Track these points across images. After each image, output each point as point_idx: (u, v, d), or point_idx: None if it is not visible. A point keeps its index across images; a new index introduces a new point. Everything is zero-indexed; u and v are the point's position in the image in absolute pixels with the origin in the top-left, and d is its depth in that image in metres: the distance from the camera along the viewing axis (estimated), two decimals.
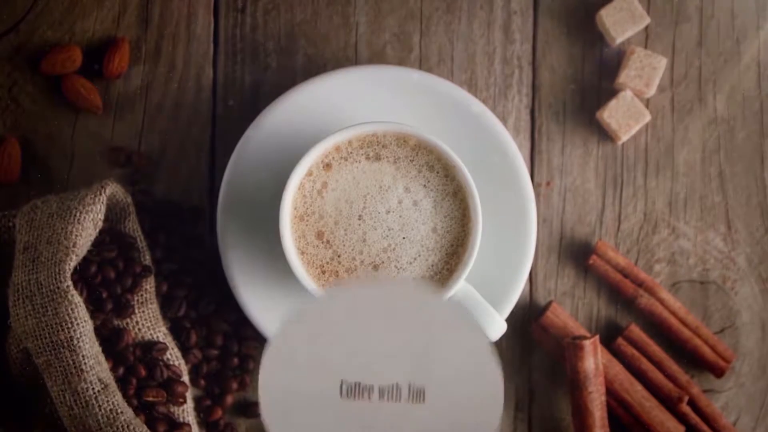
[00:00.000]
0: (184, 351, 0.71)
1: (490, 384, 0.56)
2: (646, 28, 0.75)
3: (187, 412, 0.70)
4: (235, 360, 0.73)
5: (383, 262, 0.67)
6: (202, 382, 0.73)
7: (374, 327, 0.57)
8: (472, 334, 0.57)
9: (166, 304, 0.72)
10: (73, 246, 0.65)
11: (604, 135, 0.75)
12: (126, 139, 0.74)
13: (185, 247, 0.73)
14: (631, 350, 0.74)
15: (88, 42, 0.74)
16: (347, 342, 0.57)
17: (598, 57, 0.76)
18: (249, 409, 0.73)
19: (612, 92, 0.75)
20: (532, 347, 0.75)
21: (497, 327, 0.67)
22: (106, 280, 0.68)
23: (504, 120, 0.75)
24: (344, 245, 0.67)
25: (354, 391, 0.57)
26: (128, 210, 0.70)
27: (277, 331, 0.57)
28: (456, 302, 0.66)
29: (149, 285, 0.70)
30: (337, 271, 0.67)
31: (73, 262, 0.65)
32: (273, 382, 0.57)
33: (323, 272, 0.67)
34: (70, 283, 0.64)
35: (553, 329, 0.73)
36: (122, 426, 0.64)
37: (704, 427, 0.73)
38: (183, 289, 0.72)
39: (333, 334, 0.57)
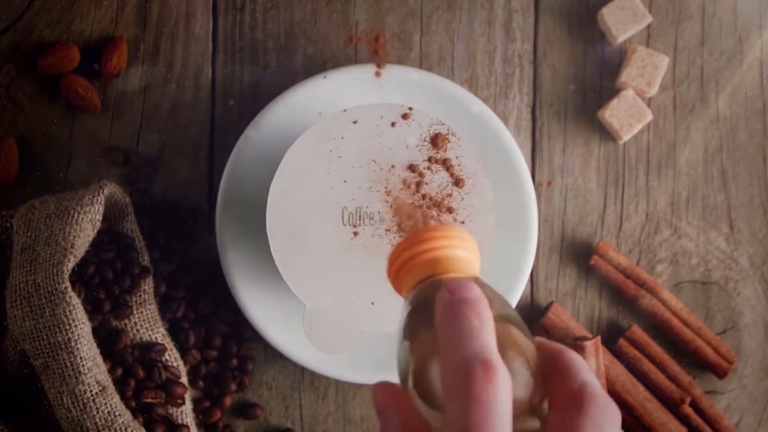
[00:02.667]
0: (183, 352, 0.71)
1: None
2: (648, 26, 0.75)
3: (185, 414, 0.69)
4: (234, 361, 0.72)
5: None
6: (201, 383, 0.72)
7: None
8: None
9: (164, 304, 0.71)
10: (71, 247, 0.64)
11: (606, 134, 0.75)
12: (124, 138, 0.74)
13: (184, 248, 0.73)
14: (632, 351, 0.73)
15: (86, 41, 0.74)
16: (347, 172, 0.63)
17: (599, 56, 0.75)
18: (248, 410, 0.73)
19: (613, 91, 0.74)
20: None
21: None
22: (104, 281, 0.68)
23: (505, 119, 0.74)
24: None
25: (355, 217, 0.62)
26: (126, 210, 0.70)
27: (282, 164, 0.63)
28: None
29: (148, 286, 0.70)
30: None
31: (71, 263, 0.64)
32: (279, 215, 0.63)
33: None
34: (68, 284, 0.64)
35: (554, 330, 0.73)
36: (120, 428, 0.64)
37: (706, 428, 0.73)
38: (181, 290, 0.72)
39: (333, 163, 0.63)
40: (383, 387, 0.42)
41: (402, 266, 0.44)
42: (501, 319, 0.41)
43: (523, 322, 0.42)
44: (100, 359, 0.65)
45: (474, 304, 0.39)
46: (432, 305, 0.41)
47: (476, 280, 0.43)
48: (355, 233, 0.65)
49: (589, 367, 0.70)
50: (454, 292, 0.40)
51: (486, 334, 0.39)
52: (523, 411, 0.39)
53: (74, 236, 0.65)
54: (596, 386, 0.40)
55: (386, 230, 0.65)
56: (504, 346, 0.39)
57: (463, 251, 0.44)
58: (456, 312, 0.39)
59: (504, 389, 0.37)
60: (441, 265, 0.43)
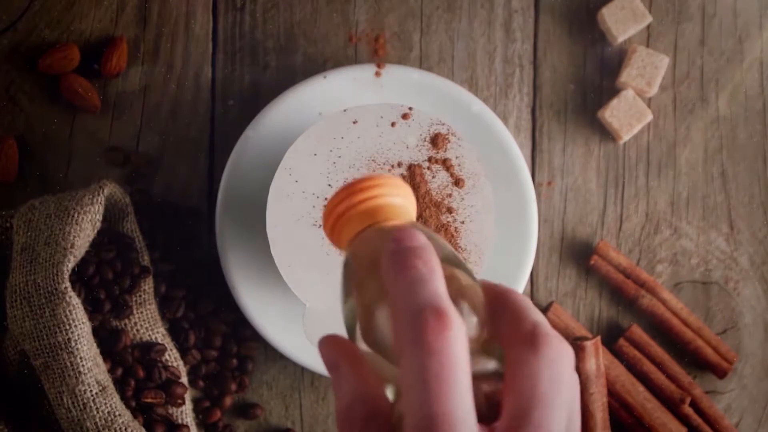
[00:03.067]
0: (183, 352, 0.71)
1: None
2: (648, 26, 0.75)
3: (185, 414, 0.69)
4: (234, 361, 0.72)
5: None
6: (201, 383, 0.72)
7: None
8: None
9: (164, 304, 0.71)
10: (71, 247, 0.64)
11: (606, 134, 0.75)
12: (124, 138, 0.74)
13: (184, 248, 0.73)
14: (632, 351, 0.73)
15: (86, 41, 0.74)
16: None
17: (599, 56, 0.75)
18: (248, 410, 0.73)
19: (614, 91, 0.74)
20: None
21: None
22: (104, 281, 0.68)
23: (505, 119, 0.74)
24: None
25: None
26: (126, 210, 0.70)
27: (282, 164, 0.64)
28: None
29: (148, 286, 0.70)
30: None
31: (71, 263, 0.64)
32: (278, 215, 0.64)
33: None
34: (68, 284, 0.64)
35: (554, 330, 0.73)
36: (120, 428, 0.64)
37: (706, 428, 0.73)
38: (181, 290, 0.72)
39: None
40: (331, 340, 0.41)
41: (338, 219, 0.43)
42: (446, 263, 0.40)
43: (465, 264, 0.42)
44: (100, 359, 0.65)
45: (421, 252, 0.39)
46: (374, 255, 0.40)
47: (415, 225, 0.42)
48: None
49: (589, 367, 0.70)
50: (399, 241, 0.39)
51: (435, 281, 0.38)
52: (475, 353, 0.39)
53: (74, 236, 0.65)
54: (548, 326, 0.40)
55: None
56: (452, 289, 0.39)
57: (398, 198, 0.43)
58: (403, 262, 0.38)
59: (459, 336, 0.36)
60: (378, 214, 0.42)
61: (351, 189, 0.43)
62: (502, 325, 0.40)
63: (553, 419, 0.38)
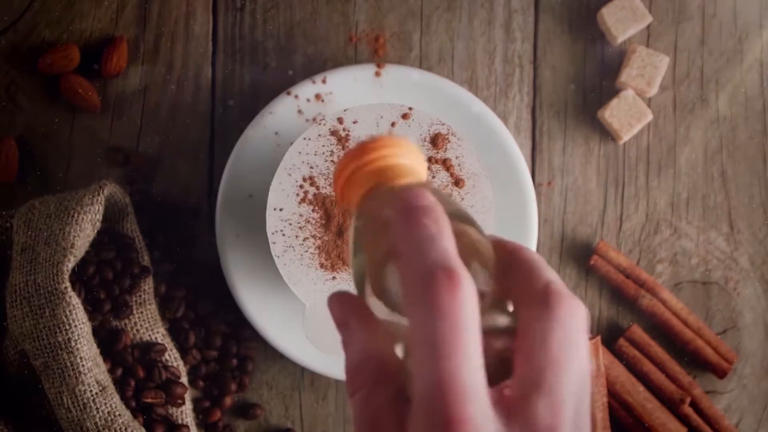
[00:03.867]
0: (183, 352, 0.71)
1: None
2: (648, 26, 0.75)
3: (185, 414, 0.69)
4: (234, 361, 0.72)
5: None
6: (201, 383, 0.72)
7: None
8: None
9: (164, 304, 0.71)
10: (71, 247, 0.64)
11: (606, 134, 0.75)
12: (124, 138, 0.74)
13: (184, 248, 0.73)
14: (632, 351, 0.73)
15: (86, 41, 0.74)
16: None
17: (599, 56, 0.75)
18: (248, 410, 0.73)
19: (613, 91, 0.74)
20: None
21: None
22: (104, 281, 0.68)
23: (505, 119, 0.74)
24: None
25: None
26: (126, 210, 0.70)
27: (282, 164, 0.64)
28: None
29: (147, 286, 0.70)
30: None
31: (71, 263, 0.64)
32: (278, 215, 0.64)
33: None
34: (68, 284, 0.64)
35: None
36: (120, 428, 0.64)
37: (706, 428, 0.73)
38: (181, 290, 0.72)
39: None
40: (341, 297, 0.41)
41: (348, 179, 0.43)
42: (456, 219, 0.40)
43: (475, 220, 0.42)
44: (100, 359, 0.65)
45: (430, 210, 0.38)
46: (383, 213, 0.40)
47: (423, 184, 0.42)
48: None
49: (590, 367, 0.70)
50: (408, 200, 0.39)
51: (445, 239, 0.37)
52: (486, 309, 0.38)
53: (74, 236, 0.65)
54: (561, 284, 0.39)
55: None
56: (462, 247, 0.38)
57: (406, 158, 0.43)
58: (412, 220, 0.38)
59: (469, 296, 0.36)
60: (386, 173, 0.43)
61: (359, 150, 0.43)
62: (514, 283, 0.40)
63: (564, 385, 0.37)
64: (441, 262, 0.36)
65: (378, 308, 0.40)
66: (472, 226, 0.41)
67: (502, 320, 0.39)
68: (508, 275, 0.40)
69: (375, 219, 0.41)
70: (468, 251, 0.39)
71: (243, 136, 0.70)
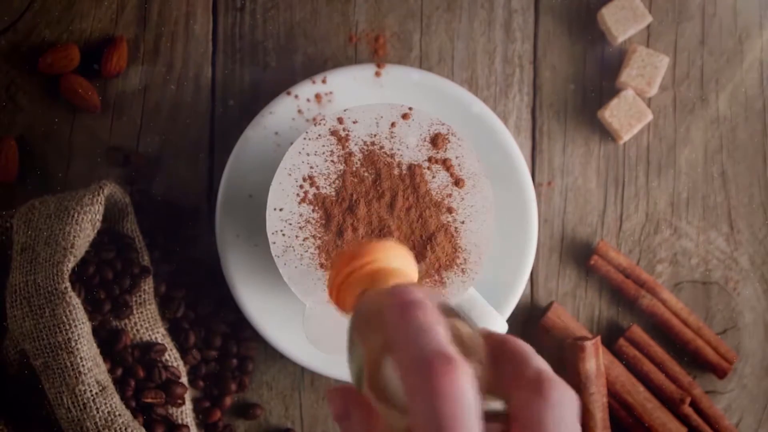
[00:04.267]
0: (183, 352, 0.71)
1: None
2: (648, 26, 0.75)
3: (185, 414, 0.69)
4: (234, 361, 0.72)
5: None
6: (201, 383, 0.72)
7: None
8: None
9: (164, 304, 0.71)
10: (71, 247, 0.64)
11: (606, 134, 0.75)
12: (124, 138, 0.74)
13: (184, 248, 0.73)
14: (632, 351, 0.73)
15: (86, 41, 0.74)
16: None
17: (599, 56, 0.75)
18: (248, 410, 0.73)
19: (613, 91, 0.74)
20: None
21: (498, 328, 0.67)
22: (104, 281, 0.68)
23: (505, 119, 0.74)
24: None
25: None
26: (126, 210, 0.70)
27: (282, 164, 0.65)
28: (456, 303, 0.66)
29: (147, 286, 0.70)
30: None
31: (71, 263, 0.64)
32: (278, 215, 0.65)
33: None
34: (68, 284, 0.64)
35: (554, 330, 0.73)
36: (120, 428, 0.64)
37: (706, 428, 0.73)
38: (181, 290, 0.72)
39: None
40: (341, 391, 0.43)
41: (342, 283, 0.47)
42: (446, 314, 0.42)
43: (466, 314, 0.44)
44: (100, 359, 0.65)
45: (421, 303, 0.41)
46: (376, 311, 0.42)
47: (412, 284, 0.45)
48: (355, 232, 0.65)
49: (589, 367, 0.70)
50: (401, 295, 0.41)
51: (438, 329, 0.40)
52: (480, 395, 0.40)
53: (74, 236, 0.65)
54: (551, 372, 0.41)
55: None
56: (453, 339, 0.41)
57: (396, 262, 0.48)
58: (406, 313, 0.40)
59: (466, 378, 0.38)
60: (379, 276, 0.47)
61: (350, 256, 0.47)
62: (505, 371, 0.42)
63: None
64: (437, 349, 0.38)
65: (377, 401, 0.42)
66: (463, 320, 0.43)
67: (496, 405, 0.41)
68: (498, 364, 0.42)
69: (369, 316, 0.44)
70: (460, 342, 0.41)
71: (243, 136, 0.70)
